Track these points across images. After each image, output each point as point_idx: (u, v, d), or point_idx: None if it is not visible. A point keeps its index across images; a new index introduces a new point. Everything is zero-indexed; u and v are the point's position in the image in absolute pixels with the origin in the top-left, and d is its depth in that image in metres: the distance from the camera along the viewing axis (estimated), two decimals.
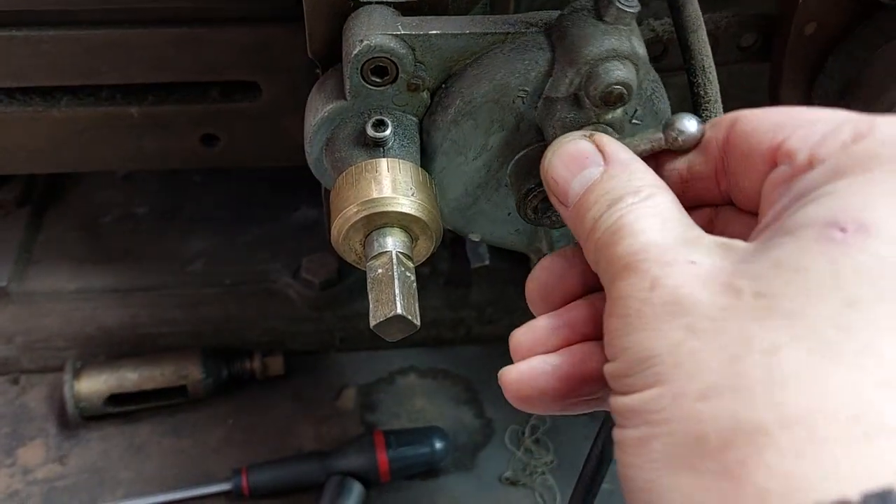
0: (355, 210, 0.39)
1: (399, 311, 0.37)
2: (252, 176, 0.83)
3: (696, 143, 0.34)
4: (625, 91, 0.38)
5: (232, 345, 0.76)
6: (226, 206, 0.81)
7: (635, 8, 0.38)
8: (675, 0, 0.43)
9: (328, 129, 0.43)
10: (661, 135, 0.35)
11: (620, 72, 0.38)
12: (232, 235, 0.79)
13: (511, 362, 0.34)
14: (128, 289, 0.74)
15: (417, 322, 0.38)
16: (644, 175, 0.32)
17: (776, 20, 0.49)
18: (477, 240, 0.51)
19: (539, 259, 0.50)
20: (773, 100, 0.51)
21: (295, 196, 0.82)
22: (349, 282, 0.76)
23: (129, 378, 0.72)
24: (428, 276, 0.79)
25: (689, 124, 0.34)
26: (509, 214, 0.47)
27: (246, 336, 0.76)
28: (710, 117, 0.43)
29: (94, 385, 0.72)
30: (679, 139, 0.34)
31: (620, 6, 0.38)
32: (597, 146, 0.34)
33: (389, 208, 0.39)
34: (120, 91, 0.60)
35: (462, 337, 0.82)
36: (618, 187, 0.31)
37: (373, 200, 0.39)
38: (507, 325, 0.80)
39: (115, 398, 0.72)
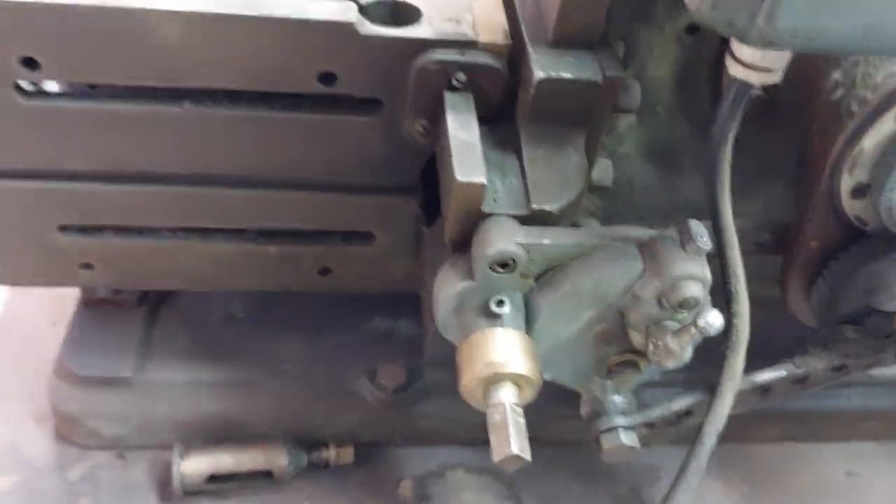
0: (480, 368, 0.54)
1: (514, 451, 0.51)
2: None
3: None
4: (695, 302, 0.53)
5: (311, 435, 0.89)
6: (311, 314, 0.95)
7: (709, 247, 0.53)
8: (719, 224, 0.58)
9: (458, 300, 0.58)
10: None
11: (695, 290, 0.52)
12: (316, 340, 0.92)
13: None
14: (228, 383, 0.87)
15: (528, 457, 0.52)
16: None
17: (788, 229, 0.65)
18: (548, 378, 0.66)
19: (587, 395, 0.65)
20: (783, 286, 0.66)
21: (370, 308, 0.96)
22: (413, 389, 0.90)
23: (225, 461, 0.85)
24: None
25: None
26: (580, 366, 0.61)
27: (324, 429, 0.89)
28: (737, 310, 0.58)
29: (196, 465, 0.84)
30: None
31: (699, 245, 0.53)
32: None
33: (506, 370, 0.53)
34: (263, 234, 0.75)
35: None
36: None
37: (493, 363, 0.53)
38: (543, 432, 0.93)
39: (212, 478, 0.85)
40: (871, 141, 0.53)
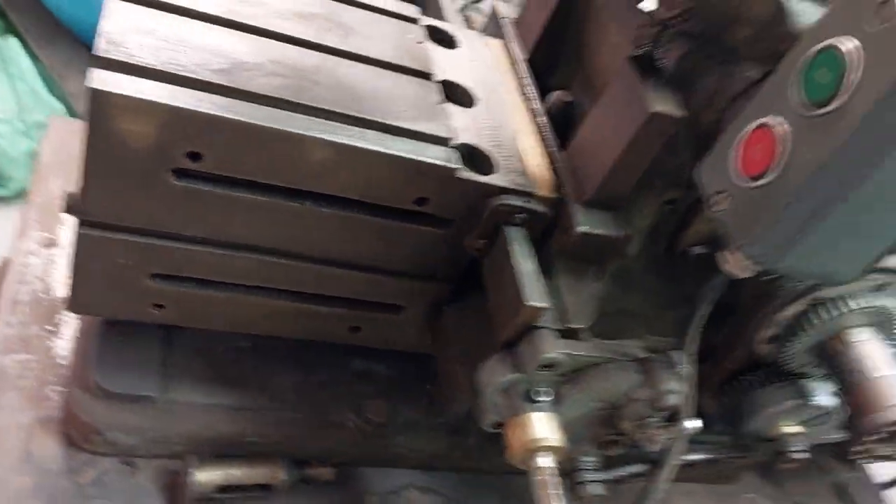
0: (529, 441, 0.75)
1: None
2: None
3: None
4: (676, 409, 0.77)
5: (302, 455, 1.05)
6: (303, 351, 1.09)
7: (685, 372, 0.78)
8: (689, 350, 0.83)
9: (507, 386, 0.78)
10: None
11: (676, 399, 0.77)
12: (309, 374, 1.08)
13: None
14: (240, 408, 1.01)
15: None
16: None
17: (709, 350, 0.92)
18: None
19: (571, 455, 0.88)
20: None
21: (351, 351, 1.12)
22: (394, 425, 1.08)
23: (234, 474, 0.99)
24: (436, 427, 1.12)
25: None
26: (577, 438, 0.84)
27: (312, 451, 1.06)
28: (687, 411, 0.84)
29: (210, 476, 0.97)
30: None
31: (679, 371, 0.77)
32: None
33: (547, 444, 0.75)
34: (317, 297, 0.90)
35: (447, 466, 1.16)
36: None
37: (538, 439, 0.75)
38: (486, 465, 1.16)
39: (220, 489, 0.98)
40: (781, 315, 0.81)
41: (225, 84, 0.72)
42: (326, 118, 0.75)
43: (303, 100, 0.75)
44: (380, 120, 0.77)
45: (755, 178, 0.63)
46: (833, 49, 0.57)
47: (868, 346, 0.78)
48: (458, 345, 0.90)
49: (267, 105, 0.73)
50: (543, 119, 0.92)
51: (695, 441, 0.96)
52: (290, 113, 0.73)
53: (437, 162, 0.77)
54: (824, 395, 0.86)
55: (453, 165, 0.78)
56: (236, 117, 0.70)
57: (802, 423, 0.88)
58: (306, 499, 1.05)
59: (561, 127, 0.92)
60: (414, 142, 0.78)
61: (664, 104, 0.75)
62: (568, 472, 0.88)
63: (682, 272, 0.95)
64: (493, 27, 1.08)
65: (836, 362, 0.79)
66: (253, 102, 0.72)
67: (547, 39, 1.00)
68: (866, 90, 0.55)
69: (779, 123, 0.61)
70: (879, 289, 0.79)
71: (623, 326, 0.99)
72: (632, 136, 0.77)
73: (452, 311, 0.93)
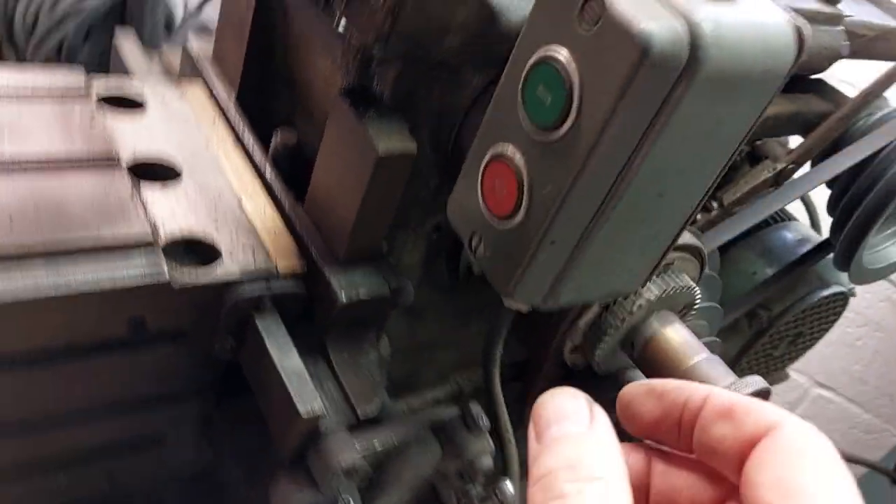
0: None
1: None
2: None
3: None
4: (490, 471, 0.68)
5: None
6: None
7: (488, 426, 0.68)
8: (492, 390, 0.74)
9: None
10: None
11: (487, 462, 0.68)
12: None
13: None
14: None
15: None
16: (610, 460, 0.35)
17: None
18: None
19: None
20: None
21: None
22: None
23: None
24: None
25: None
26: None
27: None
28: (509, 453, 0.76)
29: None
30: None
31: (481, 426, 0.68)
32: (590, 409, 0.39)
33: None
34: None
35: None
36: (582, 463, 0.34)
37: None
38: None
39: None
40: (582, 321, 0.74)
41: None
42: None
43: None
44: (52, 240, 0.60)
45: (505, 219, 0.53)
46: (550, 61, 0.48)
47: (671, 335, 0.73)
48: (239, 461, 0.75)
49: None
50: (269, 170, 0.78)
51: None
52: None
53: (139, 278, 0.61)
54: None
55: (162, 276, 0.62)
56: None
57: None
58: None
59: (293, 175, 0.79)
60: (103, 257, 0.61)
61: (390, 141, 0.64)
62: None
63: (470, 286, 0.86)
64: (189, 68, 0.91)
65: (643, 359, 0.74)
66: None
67: (254, 72, 0.85)
68: (592, 107, 0.46)
69: (513, 153, 0.52)
70: (665, 270, 0.74)
71: (421, 366, 0.90)
72: (367, 184, 0.65)
73: (225, 420, 0.78)
